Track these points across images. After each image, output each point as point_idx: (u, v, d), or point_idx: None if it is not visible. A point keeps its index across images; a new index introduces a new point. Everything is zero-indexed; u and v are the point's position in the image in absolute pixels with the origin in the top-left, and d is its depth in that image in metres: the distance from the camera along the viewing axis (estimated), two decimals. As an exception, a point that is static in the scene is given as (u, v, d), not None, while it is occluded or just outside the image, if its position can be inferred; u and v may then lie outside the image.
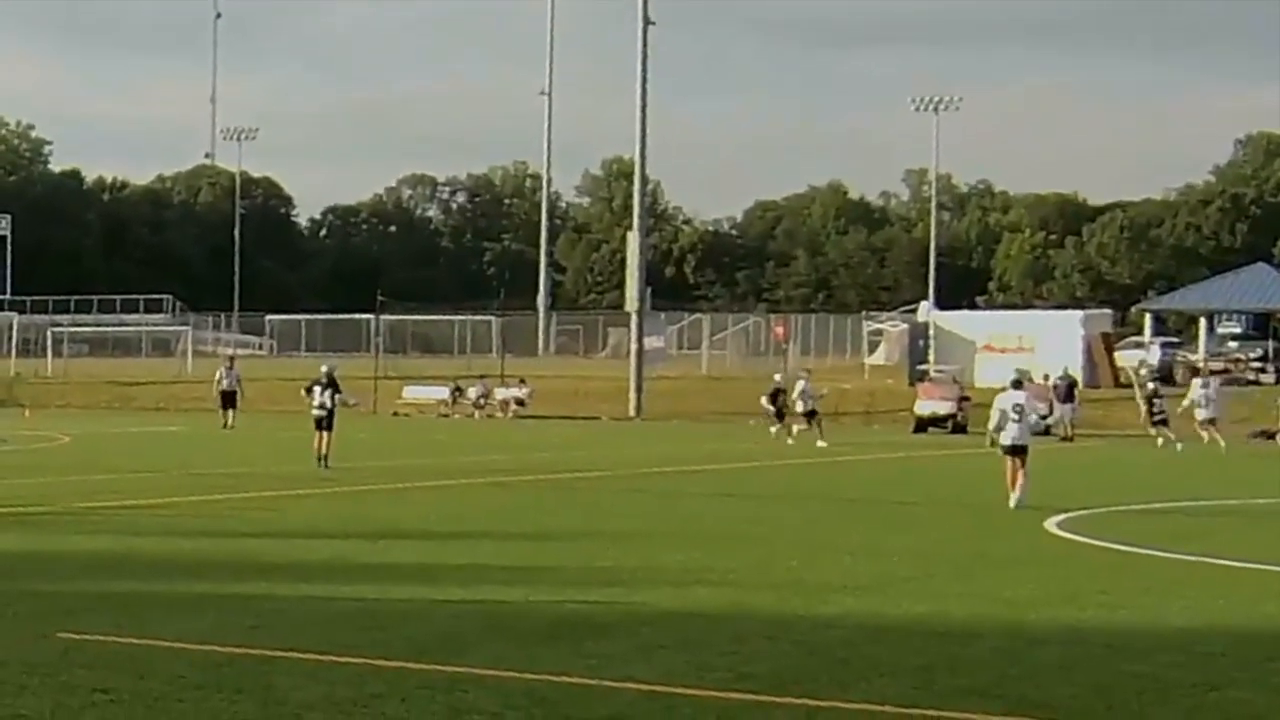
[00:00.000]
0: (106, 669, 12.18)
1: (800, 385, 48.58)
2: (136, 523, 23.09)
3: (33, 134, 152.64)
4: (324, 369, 37.03)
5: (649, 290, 69.40)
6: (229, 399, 53.26)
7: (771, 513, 26.01)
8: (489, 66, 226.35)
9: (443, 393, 67.16)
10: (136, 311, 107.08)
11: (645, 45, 67.16)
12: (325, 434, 34.10)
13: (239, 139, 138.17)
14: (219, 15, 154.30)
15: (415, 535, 21.85)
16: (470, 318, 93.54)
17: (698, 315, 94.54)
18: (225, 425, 51.45)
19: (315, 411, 34.76)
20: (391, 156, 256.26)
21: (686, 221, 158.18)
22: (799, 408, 47.67)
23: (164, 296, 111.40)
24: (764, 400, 49.41)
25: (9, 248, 77.92)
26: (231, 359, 59.47)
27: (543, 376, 68.96)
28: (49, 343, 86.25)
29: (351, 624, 14.34)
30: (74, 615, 14.52)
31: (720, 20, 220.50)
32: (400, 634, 13.82)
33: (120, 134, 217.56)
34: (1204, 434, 46.50)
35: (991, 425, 27.83)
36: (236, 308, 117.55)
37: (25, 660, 12.42)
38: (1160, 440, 47.05)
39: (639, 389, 65.31)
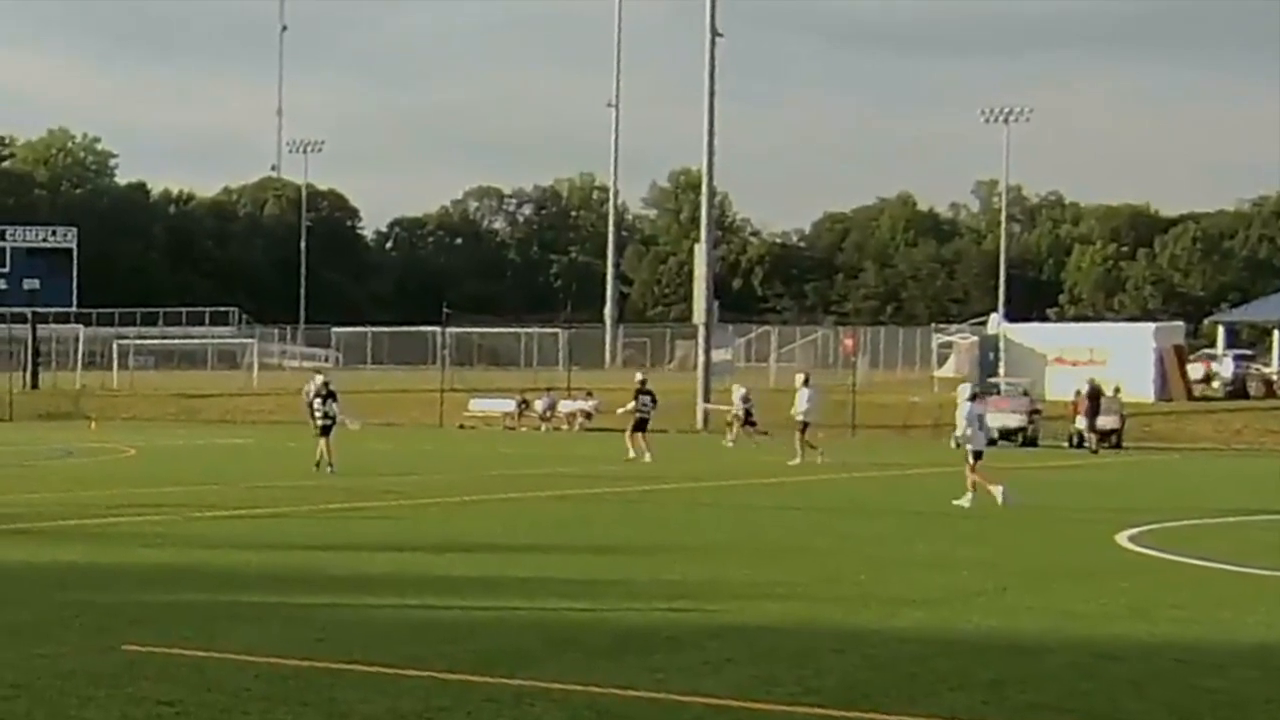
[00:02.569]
0: (172, 681, 12.17)
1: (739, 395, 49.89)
2: (202, 535, 23.17)
3: (99, 147, 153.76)
4: (319, 379, 39.09)
5: (716, 302, 69.15)
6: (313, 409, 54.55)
7: (840, 526, 25.85)
8: (556, 78, 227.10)
9: (509, 405, 67.20)
10: (202, 324, 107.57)
11: (713, 57, 67.07)
12: (326, 440, 36.28)
13: (305, 151, 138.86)
14: (285, 27, 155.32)
15: (481, 548, 21.78)
16: (537, 330, 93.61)
17: (766, 327, 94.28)
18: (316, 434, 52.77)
19: (322, 421, 36.83)
20: (458, 168, 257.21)
21: (754, 233, 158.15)
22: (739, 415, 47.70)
23: (230, 309, 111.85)
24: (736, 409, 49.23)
25: (75, 260, 78.10)
26: (318, 370, 60.76)
27: (610, 389, 68.82)
28: (115, 355, 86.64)
29: (417, 637, 14.30)
30: (139, 627, 14.53)
31: (789, 30, 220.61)
32: (466, 647, 13.76)
33: (186, 147, 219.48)
34: None
35: (960, 432, 29.37)
36: (302, 320, 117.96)
37: (91, 672, 12.43)
38: None
39: (707, 401, 65.13)
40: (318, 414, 37.05)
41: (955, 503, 28.55)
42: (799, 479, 36.95)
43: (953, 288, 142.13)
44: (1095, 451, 50.56)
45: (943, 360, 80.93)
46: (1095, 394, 52.64)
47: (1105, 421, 54.36)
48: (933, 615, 15.98)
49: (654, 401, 44.06)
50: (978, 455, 29.01)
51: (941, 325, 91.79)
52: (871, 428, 58.47)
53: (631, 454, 41.60)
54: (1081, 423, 53.61)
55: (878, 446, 51.18)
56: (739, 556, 20.86)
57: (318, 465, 36.00)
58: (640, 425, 42.93)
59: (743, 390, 53.66)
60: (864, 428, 58.32)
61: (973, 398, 30.01)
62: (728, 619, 15.52)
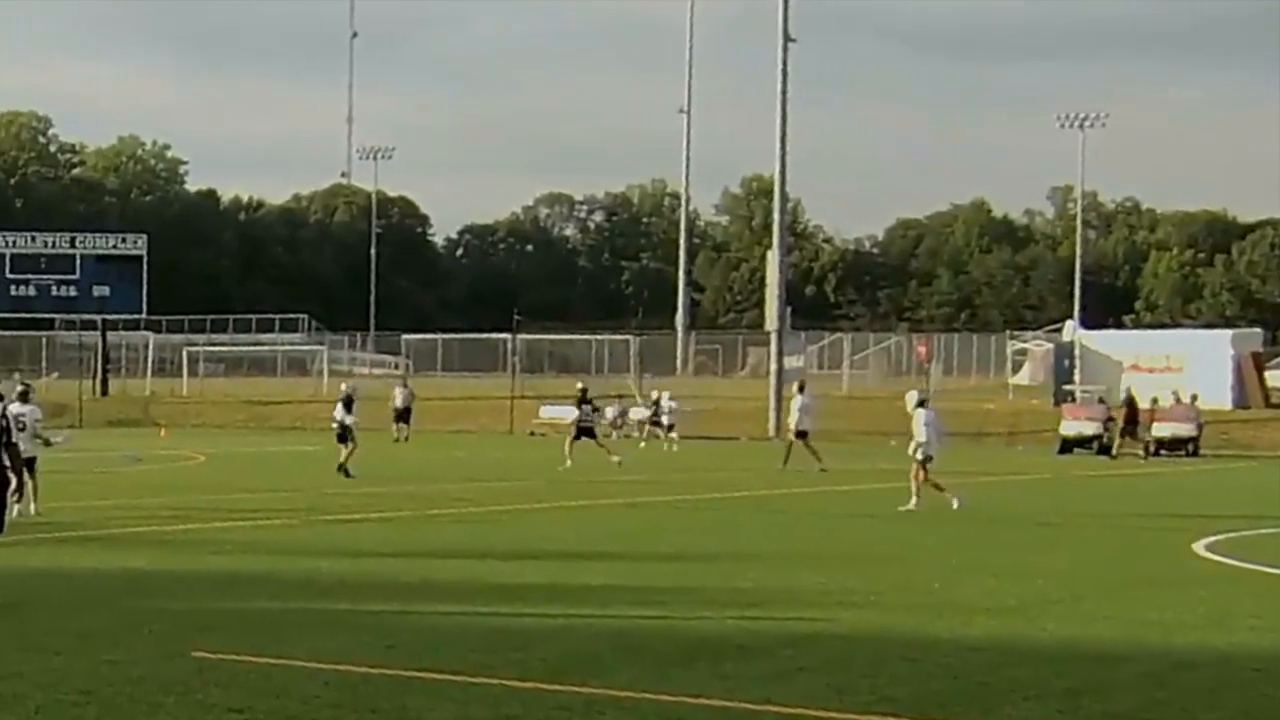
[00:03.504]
0: (241, 688, 12.16)
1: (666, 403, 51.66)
2: (272, 542, 23.21)
3: (169, 154, 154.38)
4: (344, 388, 40.52)
5: (789, 309, 68.92)
6: (403, 415, 58.05)
7: (913, 533, 25.68)
8: (627, 84, 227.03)
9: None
10: (272, 331, 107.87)
11: (786, 63, 66.88)
12: (342, 447, 37.36)
13: (375, 158, 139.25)
14: (355, 34, 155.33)
15: (551, 555, 21.74)
16: (608, 337, 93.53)
17: (838, 334, 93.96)
18: (399, 439, 55.97)
19: (338, 429, 38.25)
20: (528, 175, 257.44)
21: (827, 240, 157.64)
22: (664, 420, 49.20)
23: (300, 316, 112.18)
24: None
25: (145, 267, 78.49)
26: (404, 379, 65.83)
27: (681, 396, 68.71)
28: (185, 362, 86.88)
29: (487, 644, 14.24)
30: (209, 634, 14.54)
31: (862, 34, 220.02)
32: (536, 654, 13.71)
33: (257, 154, 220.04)
34: None
35: (923, 439, 29.27)
36: (372, 327, 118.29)
37: (161, 679, 12.44)
38: None
39: (779, 409, 64.91)
40: (334, 423, 38.47)
41: (901, 508, 28.37)
42: (871, 487, 36.75)
43: (1027, 294, 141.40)
44: (1115, 458, 50.02)
45: (1017, 367, 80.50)
46: (1132, 402, 52.20)
47: (1182, 429, 53.90)
48: (1007, 624, 15.86)
49: (595, 410, 44.40)
50: (928, 459, 29.11)
51: (1016, 332, 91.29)
52: (945, 435, 58.06)
53: (569, 464, 41.06)
54: (1159, 430, 53.18)
55: (951, 454, 50.75)
56: (811, 564, 20.75)
57: (341, 469, 36.84)
58: (583, 433, 42.82)
59: (656, 394, 58.79)
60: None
61: (921, 403, 30.12)
62: (800, 627, 15.43)
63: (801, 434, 42.55)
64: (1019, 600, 17.61)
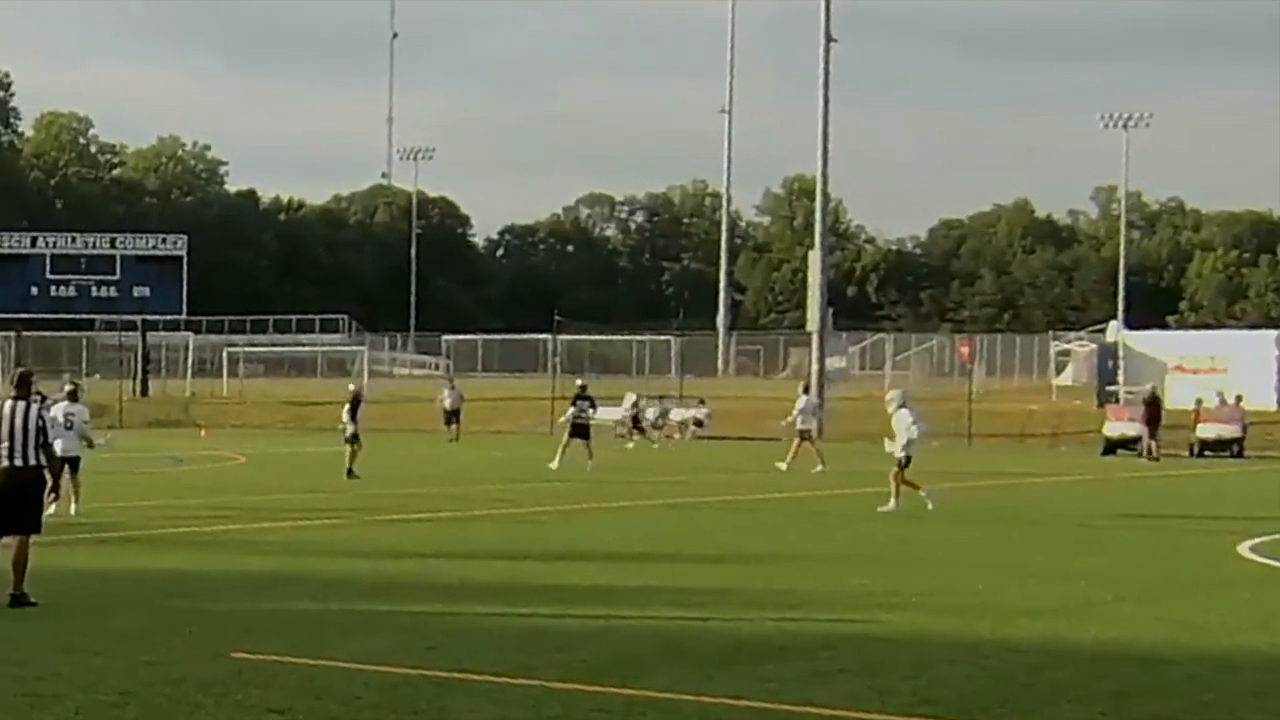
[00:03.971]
0: (281, 689, 12.16)
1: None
2: (312, 542, 23.23)
3: (209, 154, 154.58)
4: (351, 388, 40.66)
5: (831, 310, 68.82)
6: (453, 416, 58.95)
7: (955, 535, 25.58)
8: (667, 84, 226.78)
9: (620, 413, 67.10)
10: (312, 331, 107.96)
11: (827, 63, 66.78)
12: (353, 447, 37.50)
13: (415, 158, 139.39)
14: (395, 34, 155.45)
15: (591, 557, 21.70)
16: (649, 338, 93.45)
17: (880, 335, 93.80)
18: (451, 439, 56.95)
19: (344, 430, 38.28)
20: (569, 175, 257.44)
21: (869, 240, 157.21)
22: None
23: (340, 316, 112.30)
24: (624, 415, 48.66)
25: (185, 268, 78.73)
26: (451, 380, 66.09)
27: (722, 397, 68.68)
28: (225, 363, 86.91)
29: (527, 645, 14.22)
30: (249, 635, 14.55)
31: (905, 34, 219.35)
32: (576, 656, 13.69)
33: (297, 154, 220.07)
34: None
35: (906, 439, 29.02)
36: (413, 328, 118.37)
37: (200, 679, 12.45)
38: None
39: (820, 409, 64.77)
40: (342, 425, 38.54)
41: (881, 509, 28.37)
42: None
43: (1071, 295, 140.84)
44: (1156, 459, 49.71)
45: (1061, 368, 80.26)
46: (1154, 402, 51.90)
47: (1226, 430, 53.63)
48: (1050, 626, 15.78)
49: (593, 406, 43.92)
50: (907, 460, 28.98)
51: (1060, 333, 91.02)
52: (988, 436, 57.98)
53: (556, 464, 40.70)
54: (1203, 431, 52.93)
55: (994, 455, 50.70)
56: (852, 565, 20.68)
57: (349, 473, 36.80)
58: (578, 431, 42.45)
59: (633, 397, 59.35)
60: (980, 436, 57.82)
61: (904, 403, 29.90)
62: (840, 628, 15.38)
63: (804, 434, 42.38)
64: (1062, 602, 17.53)
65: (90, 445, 27.57)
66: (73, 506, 26.20)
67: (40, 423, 16.20)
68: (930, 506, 28.37)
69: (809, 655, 13.90)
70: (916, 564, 21.16)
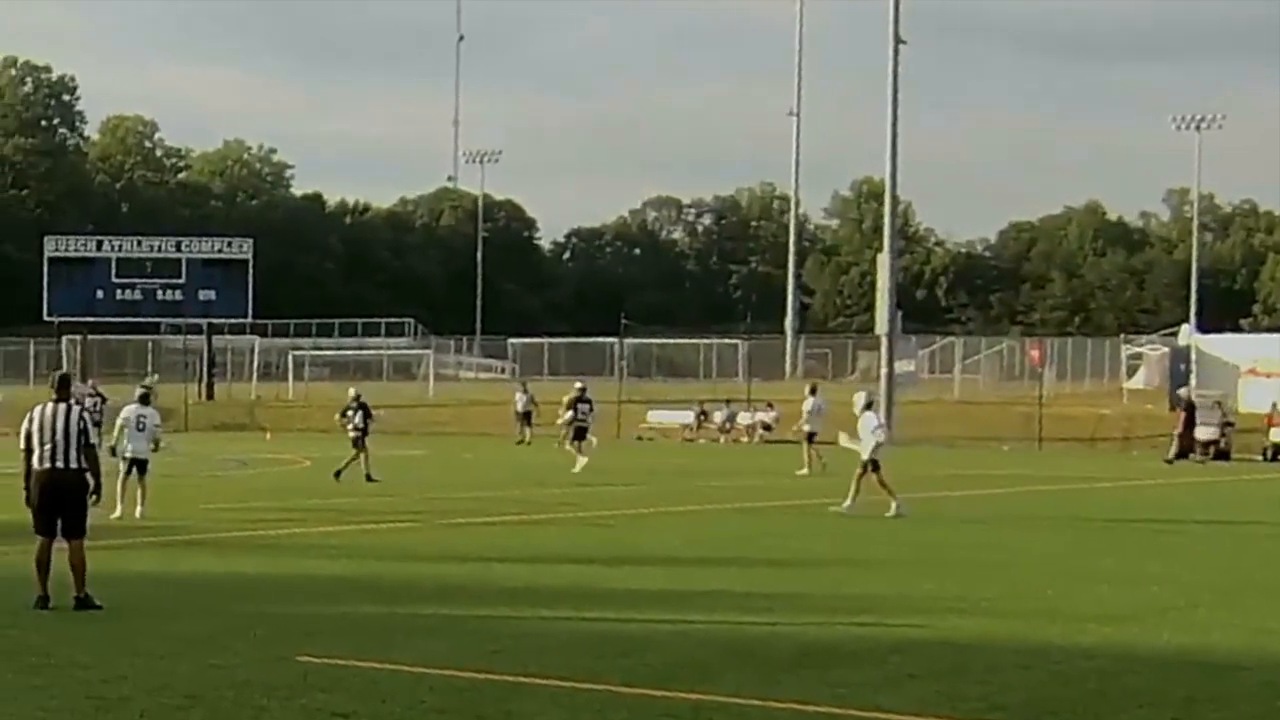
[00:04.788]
0: (346, 692, 12.13)
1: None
2: (377, 546, 23.22)
3: (274, 158, 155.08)
4: (352, 393, 40.36)
5: (899, 313, 68.44)
6: (526, 418, 59.67)
7: (1025, 539, 25.39)
8: (735, 85, 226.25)
9: (688, 416, 67.02)
10: (378, 335, 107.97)
11: (896, 65, 66.46)
12: (362, 452, 37.50)
13: (482, 161, 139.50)
14: (461, 37, 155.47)
15: (658, 560, 21.62)
16: (716, 341, 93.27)
17: (950, 338, 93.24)
18: (522, 441, 57.65)
19: (352, 433, 38.39)
20: (636, 178, 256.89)
21: (939, 243, 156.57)
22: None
23: (405, 320, 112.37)
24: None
25: (251, 272, 78.81)
26: (524, 383, 66.18)
27: (790, 400, 68.38)
28: (290, 366, 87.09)
29: (594, 650, 14.17)
30: (314, 638, 14.53)
31: (975, 35, 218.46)
32: (643, 660, 13.63)
33: (362, 157, 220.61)
34: None
35: (873, 442, 29.00)
36: (479, 331, 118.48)
37: (265, 683, 12.43)
38: None
39: (889, 413, 64.47)
40: (351, 427, 38.54)
41: (887, 515, 28.03)
42: (982, 493, 36.39)
43: (1142, 298, 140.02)
44: (1203, 463, 49.25)
45: (1132, 372, 79.59)
46: (1191, 406, 51.41)
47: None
48: (1121, 631, 15.63)
49: (591, 408, 44.14)
50: (875, 463, 28.88)
51: (1131, 336, 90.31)
52: (1058, 440, 57.60)
53: (578, 467, 40.81)
54: (1276, 435, 52.49)
55: (1064, 459, 50.35)
56: (921, 570, 20.54)
57: (366, 478, 36.68)
58: (579, 434, 42.69)
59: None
60: (1050, 440, 57.46)
61: (869, 405, 29.80)
62: (910, 633, 15.27)
63: (810, 436, 42.24)
64: (1133, 607, 17.37)
65: (156, 447, 27.69)
66: (139, 509, 26.32)
67: (81, 425, 16.22)
68: (889, 514, 28.01)
69: (878, 660, 13.79)
70: (986, 569, 21.01)
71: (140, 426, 27.26)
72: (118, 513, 25.77)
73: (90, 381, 44.49)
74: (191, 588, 18.41)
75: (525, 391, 62.14)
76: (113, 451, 26.43)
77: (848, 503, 28.78)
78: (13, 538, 21.73)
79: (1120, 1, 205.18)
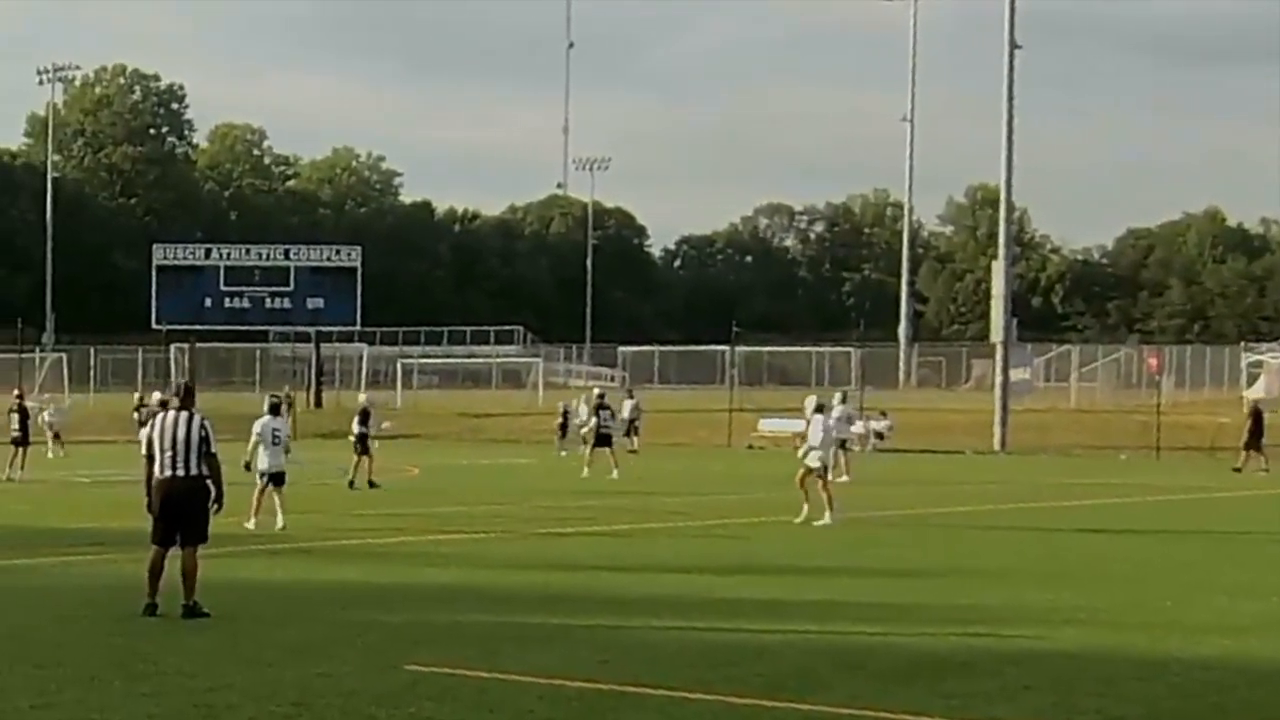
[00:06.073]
0: (454, 701, 12.09)
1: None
2: (486, 555, 23.17)
3: (383, 166, 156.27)
4: (361, 398, 40.89)
5: (1015, 321, 67.92)
6: (630, 426, 58.60)
7: (1144, 550, 25.04)
8: (847, 91, 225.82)
9: (800, 425, 66.57)
10: (487, 343, 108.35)
11: (1012, 70, 65.95)
12: (364, 458, 37.62)
13: (591, 169, 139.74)
14: (571, 44, 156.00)
15: (769, 570, 21.47)
16: (828, 349, 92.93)
17: (1066, 346, 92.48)
18: (630, 450, 56.45)
19: (352, 439, 38.62)
20: (747, 185, 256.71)
21: (1054, 250, 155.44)
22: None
23: (515, 328, 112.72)
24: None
25: (359, 279, 79.17)
26: (630, 391, 65.68)
27: (904, 409, 68.04)
28: (399, 374, 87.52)
29: (703, 659, 14.04)
30: (422, 647, 14.48)
31: (1091, 40, 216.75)
32: (752, 670, 13.50)
33: (471, 165, 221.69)
34: None
35: (819, 450, 28.57)
36: (588, 339, 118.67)
37: (373, 691, 12.39)
38: None
39: (1004, 422, 64.00)
40: (354, 434, 38.62)
41: (816, 523, 27.55)
42: (1099, 502, 35.96)
43: (1263, 305, 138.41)
44: (1268, 471, 48.35)
45: (1252, 380, 78.61)
46: (1258, 414, 50.46)
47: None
48: (1241, 643, 15.35)
49: (613, 416, 44.55)
50: (824, 468, 28.50)
51: (1251, 344, 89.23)
52: (1176, 449, 56.87)
53: (586, 472, 41.33)
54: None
55: (1183, 468, 49.68)
56: (1037, 580, 20.27)
57: (368, 484, 36.94)
58: (602, 440, 42.83)
59: (565, 405, 58.29)
60: (1168, 449, 56.73)
61: (819, 409, 29.36)
62: (1025, 644, 15.05)
63: (841, 443, 42.04)
64: (1253, 619, 17.07)
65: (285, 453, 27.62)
66: (278, 521, 26.12)
67: (203, 433, 16.25)
68: (820, 523, 27.57)
69: (994, 671, 13.61)
70: (1103, 579, 20.72)
71: (275, 440, 27.16)
72: (251, 524, 25.77)
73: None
74: (299, 596, 18.45)
75: (631, 398, 62.20)
76: (247, 466, 26.41)
77: (829, 514, 28.10)
78: (121, 545, 21.99)
79: (1240, 4, 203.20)
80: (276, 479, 26.84)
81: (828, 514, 28.06)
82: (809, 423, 29.12)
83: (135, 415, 46.44)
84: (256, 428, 27.29)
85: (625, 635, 15.54)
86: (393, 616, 16.64)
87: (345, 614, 16.70)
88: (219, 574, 18.09)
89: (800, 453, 28.90)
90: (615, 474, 40.94)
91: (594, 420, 43.52)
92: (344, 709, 11.80)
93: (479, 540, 25.40)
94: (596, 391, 46.34)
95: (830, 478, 29.24)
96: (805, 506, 28.10)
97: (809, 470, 28.50)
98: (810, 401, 29.89)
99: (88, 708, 11.83)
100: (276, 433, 27.25)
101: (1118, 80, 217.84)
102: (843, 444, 42.13)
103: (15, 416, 41.97)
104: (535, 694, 12.35)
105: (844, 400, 43.87)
